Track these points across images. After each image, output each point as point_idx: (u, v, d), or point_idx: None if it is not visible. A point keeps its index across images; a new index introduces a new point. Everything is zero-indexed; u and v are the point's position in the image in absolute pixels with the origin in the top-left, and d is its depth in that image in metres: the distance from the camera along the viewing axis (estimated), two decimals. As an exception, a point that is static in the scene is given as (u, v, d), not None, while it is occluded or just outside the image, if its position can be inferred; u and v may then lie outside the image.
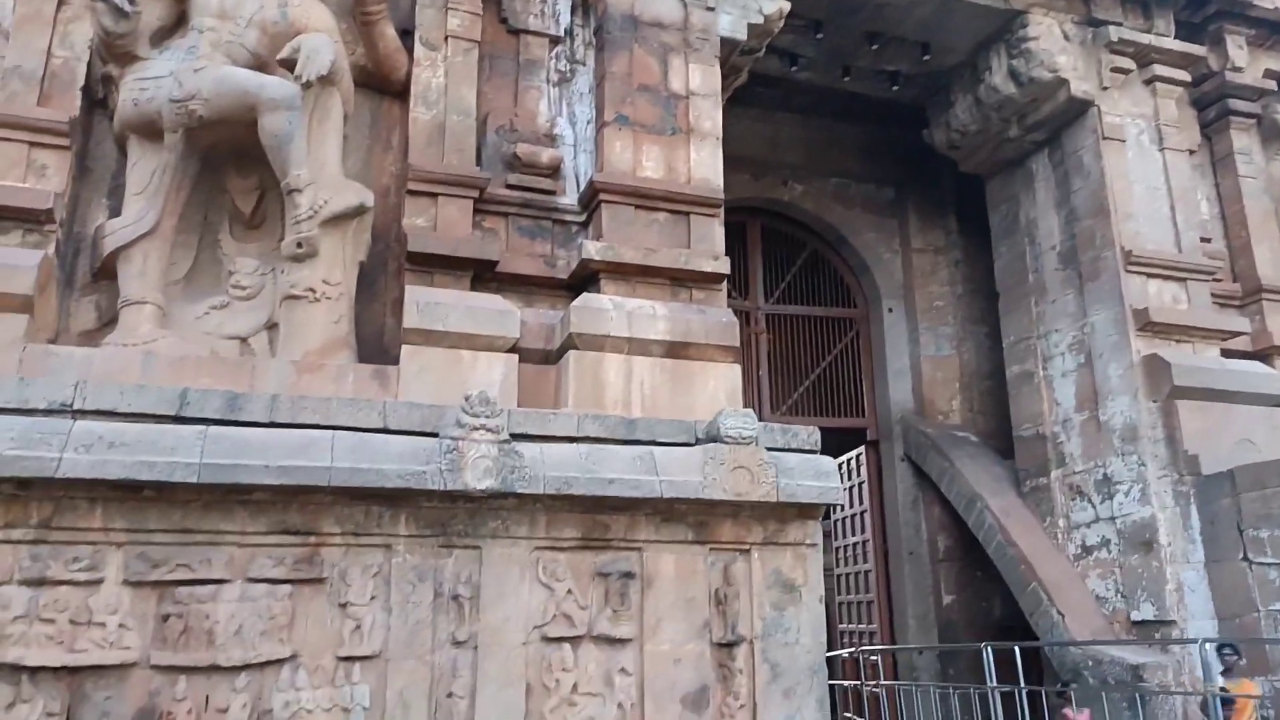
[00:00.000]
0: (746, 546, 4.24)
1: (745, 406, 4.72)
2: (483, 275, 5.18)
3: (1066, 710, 5.05)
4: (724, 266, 5.44)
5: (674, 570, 4.10)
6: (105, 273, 4.59)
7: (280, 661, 3.46)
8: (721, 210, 5.63)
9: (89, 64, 4.71)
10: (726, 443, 4.13)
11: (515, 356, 4.90)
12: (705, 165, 5.61)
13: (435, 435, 3.83)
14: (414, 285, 4.93)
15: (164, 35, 4.78)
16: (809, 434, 4.47)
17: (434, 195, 5.17)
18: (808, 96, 8.06)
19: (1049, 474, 7.22)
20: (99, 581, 3.33)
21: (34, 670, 3.18)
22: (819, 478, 4.24)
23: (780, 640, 4.10)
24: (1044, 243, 7.55)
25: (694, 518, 4.15)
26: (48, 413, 3.34)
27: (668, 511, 4.09)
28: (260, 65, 4.79)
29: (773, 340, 8.67)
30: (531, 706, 3.72)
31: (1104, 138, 7.13)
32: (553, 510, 3.94)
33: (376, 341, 5.08)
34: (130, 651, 3.30)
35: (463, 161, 5.25)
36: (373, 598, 3.65)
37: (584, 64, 5.88)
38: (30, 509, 3.27)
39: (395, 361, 4.78)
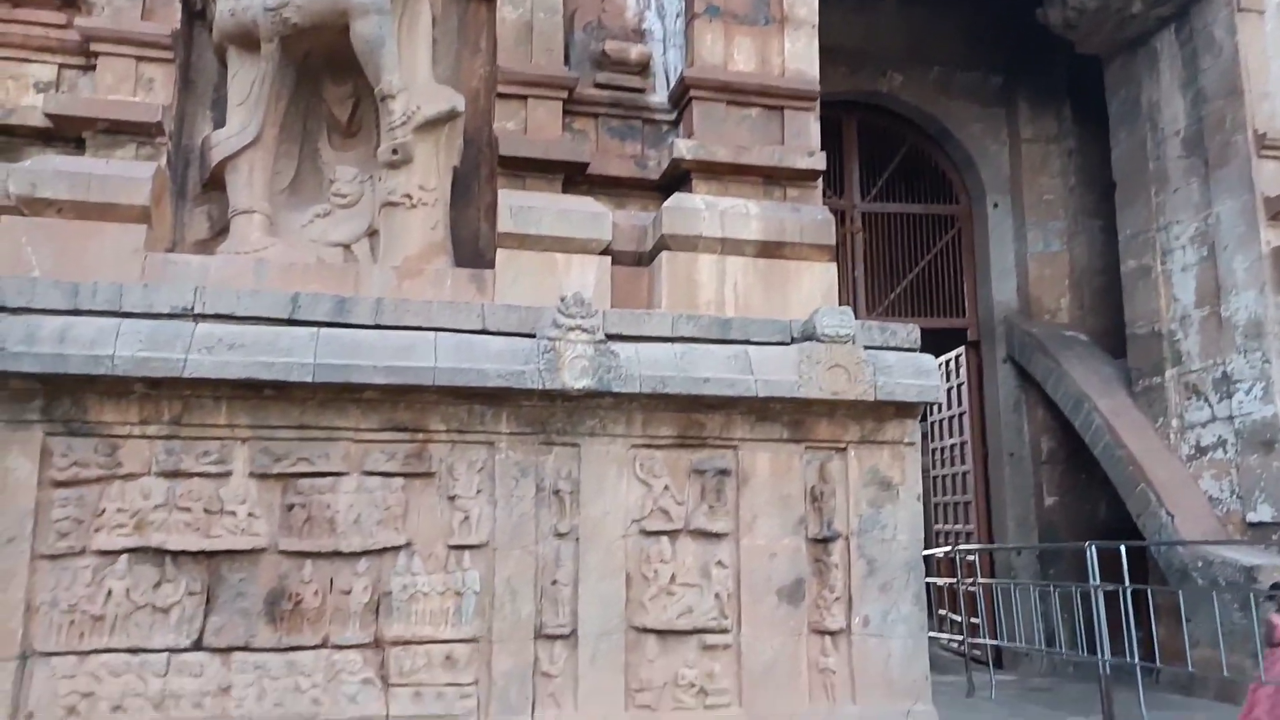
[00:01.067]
0: (843, 445, 4.21)
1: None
2: (574, 178, 5.17)
3: (1273, 615, 4.82)
4: (819, 163, 5.28)
5: (769, 468, 4.13)
6: (214, 183, 4.76)
7: (396, 549, 3.66)
8: (817, 104, 5.42)
9: (188, -24, 4.79)
10: (823, 341, 4.07)
11: (608, 259, 4.91)
12: (800, 56, 5.38)
13: (532, 336, 3.90)
14: (507, 190, 4.96)
15: (255, -57, 4.79)
16: (908, 331, 4.36)
17: (523, 97, 5.13)
18: (907, -21, 7.59)
19: (1163, 373, 6.90)
20: (228, 474, 3.56)
21: (175, 554, 3.46)
22: (918, 376, 4.15)
23: (877, 537, 4.11)
24: (1167, 128, 7.03)
25: (789, 416, 4.14)
26: (171, 316, 3.53)
27: (763, 410, 4.09)
28: (349, -31, 4.77)
29: (869, 239, 8.44)
30: (631, 595, 3.86)
31: (1239, 9, 6.50)
32: (648, 409, 3.99)
33: (472, 246, 5.15)
34: (260, 538, 3.55)
35: (551, 61, 5.18)
36: (478, 491, 3.80)
37: (671, -48, 5.65)
38: (162, 407, 3.50)
39: (490, 265, 4.86)
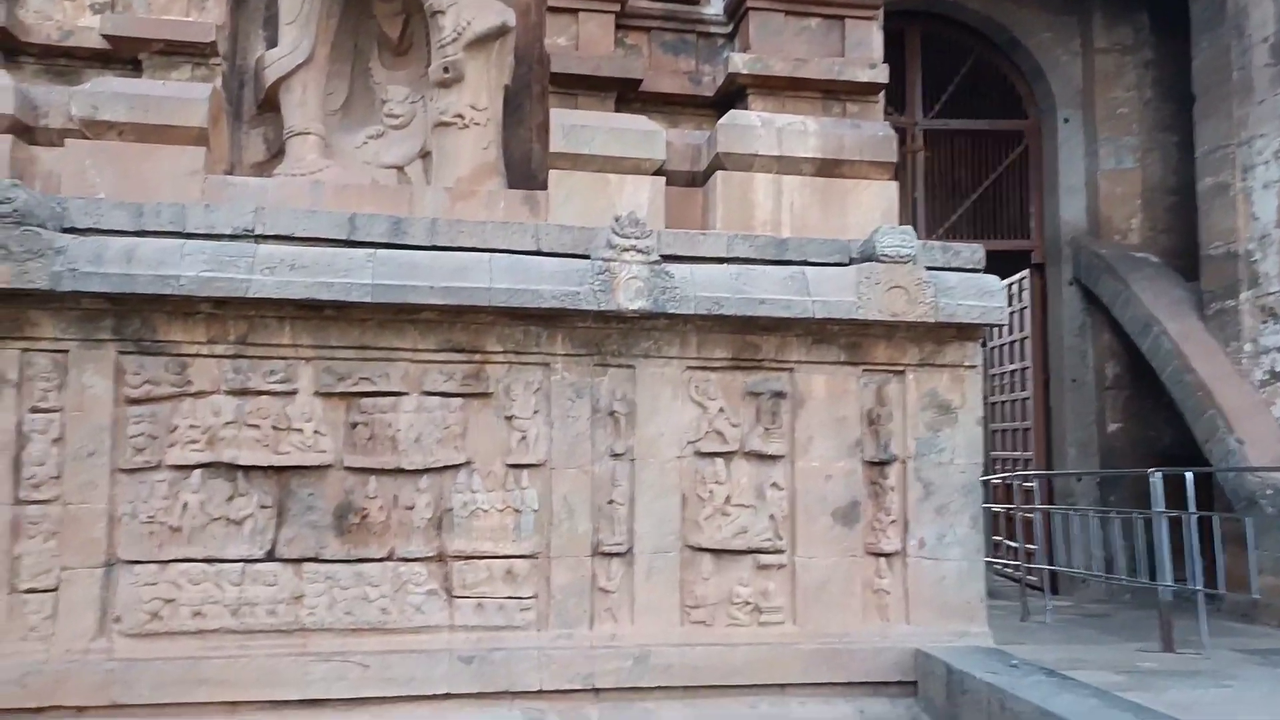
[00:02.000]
0: (901, 368, 4.15)
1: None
2: (626, 95, 5.04)
3: None
4: (881, 75, 5.07)
5: (825, 390, 4.09)
6: (269, 104, 4.75)
7: (456, 467, 3.74)
8: (880, 12, 5.19)
9: (234, -111, 4.70)
10: (882, 261, 3.98)
11: (661, 179, 4.82)
12: (863, -39, 5.12)
13: (587, 257, 3.88)
14: (559, 108, 4.87)
15: None
16: (971, 251, 4.24)
17: (574, 11, 4.99)
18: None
19: (1238, 295, 6.62)
20: (293, 393, 3.65)
21: (247, 469, 3.58)
22: (981, 297, 4.05)
23: (934, 460, 4.07)
24: (1254, 34, 6.59)
25: (846, 338, 4.08)
26: (233, 237, 3.58)
27: (819, 332, 4.04)
28: (396, -122, 4.65)
29: (931, 158, 8.15)
30: (686, 515, 3.90)
31: (1345, -100, 5.99)
32: (703, 330, 3.96)
33: (524, 166, 5.10)
34: (326, 454, 3.65)
35: (603, -28, 5.02)
36: (535, 412, 3.84)
37: None
38: (228, 326, 3.58)
39: (543, 186, 4.80)
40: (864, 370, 4.13)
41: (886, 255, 3.97)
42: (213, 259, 3.43)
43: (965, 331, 4.13)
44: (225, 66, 4.66)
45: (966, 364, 4.16)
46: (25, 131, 4.28)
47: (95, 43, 4.50)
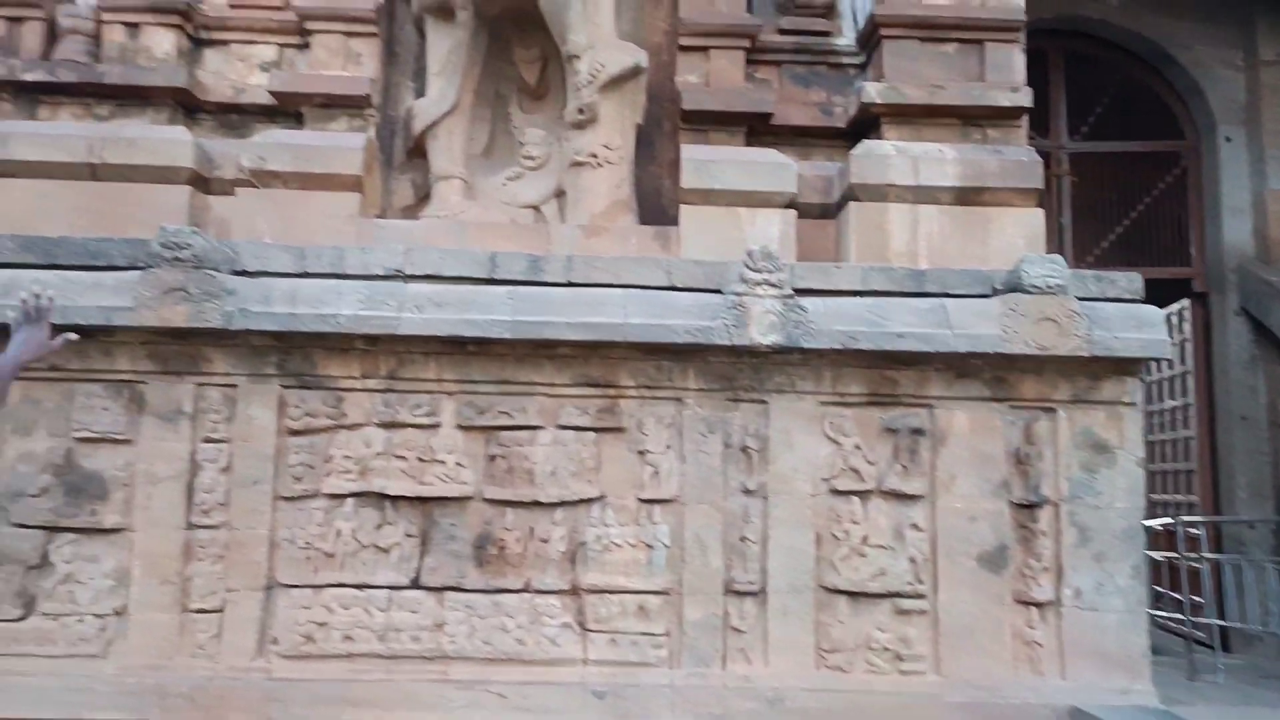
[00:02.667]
0: (1051, 404, 3.94)
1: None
2: (757, 129, 5.05)
3: None
4: (1024, 99, 4.89)
5: (968, 427, 3.93)
6: (417, 151, 5.01)
7: (590, 500, 3.79)
8: (1022, 34, 5.01)
9: (387, -49, 5.02)
10: (1030, 292, 3.80)
11: (793, 211, 4.79)
12: (1004, -18, 4.97)
13: (719, 292, 3.88)
14: (689, 144, 4.92)
15: (449, -86, 4.95)
16: (1129, 280, 3.99)
17: (705, 49, 5.05)
18: (1128, -114, 6.81)
19: None
20: (437, 425, 3.79)
21: (394, 498, 3.74)
22: (1140, 328, 3.80)
23: (1090, 503, 3.83)
24: None
25: (991, 373, 3.91)
26: (385, 278, 3.77)
27: (961, 366, 3.89)
28: (536, -68, 4.85)
29: (1079, 182, 7.75)
30: (821, 554, 3.81)
31: None
32: (838, 365, 3.88)
33: (654, 202, 5.16)
34: (467, 486, 3.77)
35: (733, 9, 5.06)
36: (667, 447, 3.85)
37: (861, -116, 5.34)
38: (379, 362, 3.76)
39: (673, 221, 4.86)
40: (1010, 406, 3.94)
41: (1034, 286, 3.79)
42: (367, 298, 3.63)
43: (1123, 366, 3.88)
44: (378, 117, 4.96)
45: (1125, 400, 3.90)
46: (201, 182, 4.66)
47: (263, 99, 4.88)
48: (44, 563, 3.63)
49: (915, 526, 3.85)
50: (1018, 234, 4.67)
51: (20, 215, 4.36)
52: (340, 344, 3.70)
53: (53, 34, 4.94)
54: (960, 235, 4.64)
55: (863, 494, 3.87)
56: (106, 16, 4.90)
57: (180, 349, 3.67)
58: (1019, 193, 4.69)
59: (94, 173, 4.53)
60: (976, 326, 3.77)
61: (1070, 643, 3.76)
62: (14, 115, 4.83)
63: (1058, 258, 3.88)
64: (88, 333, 3.51)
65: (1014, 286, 3.86)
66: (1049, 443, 3.93)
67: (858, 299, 3.89)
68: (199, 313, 3.53)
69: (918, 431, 3.90)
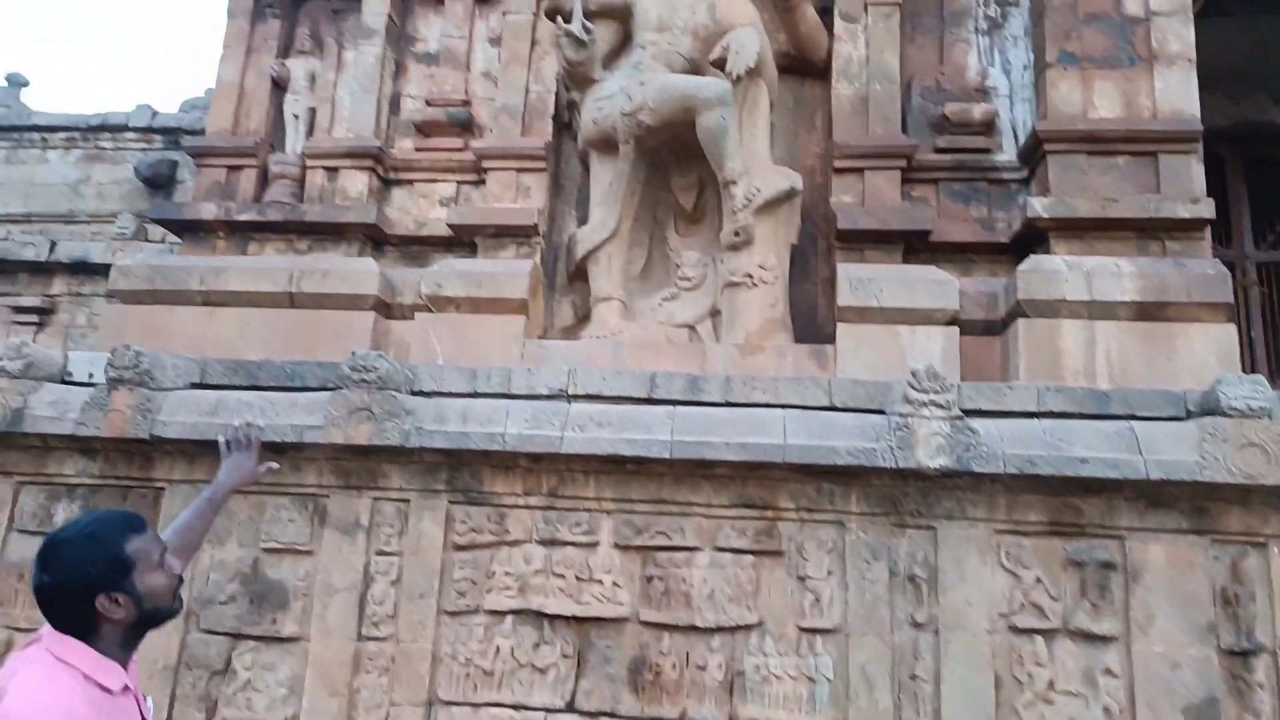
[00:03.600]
0: (1261, 539, 3.56)
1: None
2: (915, 246, 4.99)
3: None
4: (1206, 210, 4.63)
5: (1165, 562, 3.59)
6: (578, 274, 5.24)
7: (749, 627, 3.66)
8: (1199, 145, 4.79)
9: (556, 94, 5.41)
10: (1230, 415, 3.50)
11: (955, 329, 4.66)
12: (1175, 93, 4.81)
13: (881, 412, 3.78)
14: (845, 263, 4.92)
15: (612, 57, 5.31)
16: (1347, 403, 3.61)
17: (860, 170, 5.09)
18: (1307, -11, 6.51)
19: None
20: (595, 544, 3.81)
21: (552, 617, 3.75)
22: (1366, 457, 3.41)
23: (1319, 654, 3.38)
24: None
25: (1188, 503, 3.58)
26: (549, 397, 3.90)
27: (1154, 495, 3.59)
28: (694, 69, 5.12)
29: (1267, 294, 7.21)
30: (1002, 698, 3.51)
31: None
32: (1013, 491, 3.67)
33: (810, 320, 5.15)
34: (623, 607, 3.73)
35: (888, 131, 5.11)
36: (829, 573, 3.70)
37: (1016, 4, 5.37)
38: (541, 480, 3.85)
39: (829, 339, 4.81)
40: (1213, 540, 3.59)
41: (1235, 408, 3.49)
42: (532, 418, 3.75)
43: (1347, 498, 3.48)
44: (543, 244, 5.25)
45: (1351, 537, 3.48)
46: (384, 307, 5.03)
47: (442, 230, 5.27)
48: (227, 668, 3.82)
49: (1109, 672, 3.50)
50: (1208, 351, 4.35)
51: (226, 339, 4.82)
52: (506, 461, 3.82)
53: (264, 179, 5.56)
54: (1143, 353, 4.36)
55: (1047, 633, 3.56)
56: (310, 162, 5.48)
57: (361, 464, 3.89)
58: (1207, 307, 4.39)
59: (292, 300, 4.98)
60: (1171, 452, 3.49)
61: (1307, 820, 3.26)
62: (227, 251, 5.41)
63: (1259, 378, 3.57)
64: (281, 449, 3.78)
65: (1211, 409, 3.56)
66: (1261, 582, 3.53)
67: (1033, 420, 3.69)
68: (380, 431, 3.75)
69: (1107, 565, 3.59)
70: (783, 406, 3.84)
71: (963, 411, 3.68)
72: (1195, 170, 4.74)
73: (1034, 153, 4.93)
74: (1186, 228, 4.66)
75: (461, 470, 3.86)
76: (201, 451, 3.89)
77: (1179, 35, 4.85)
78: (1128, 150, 4.79)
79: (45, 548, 1.74)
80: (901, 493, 3.72)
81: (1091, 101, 4.87)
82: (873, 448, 3.63)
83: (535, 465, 3.82)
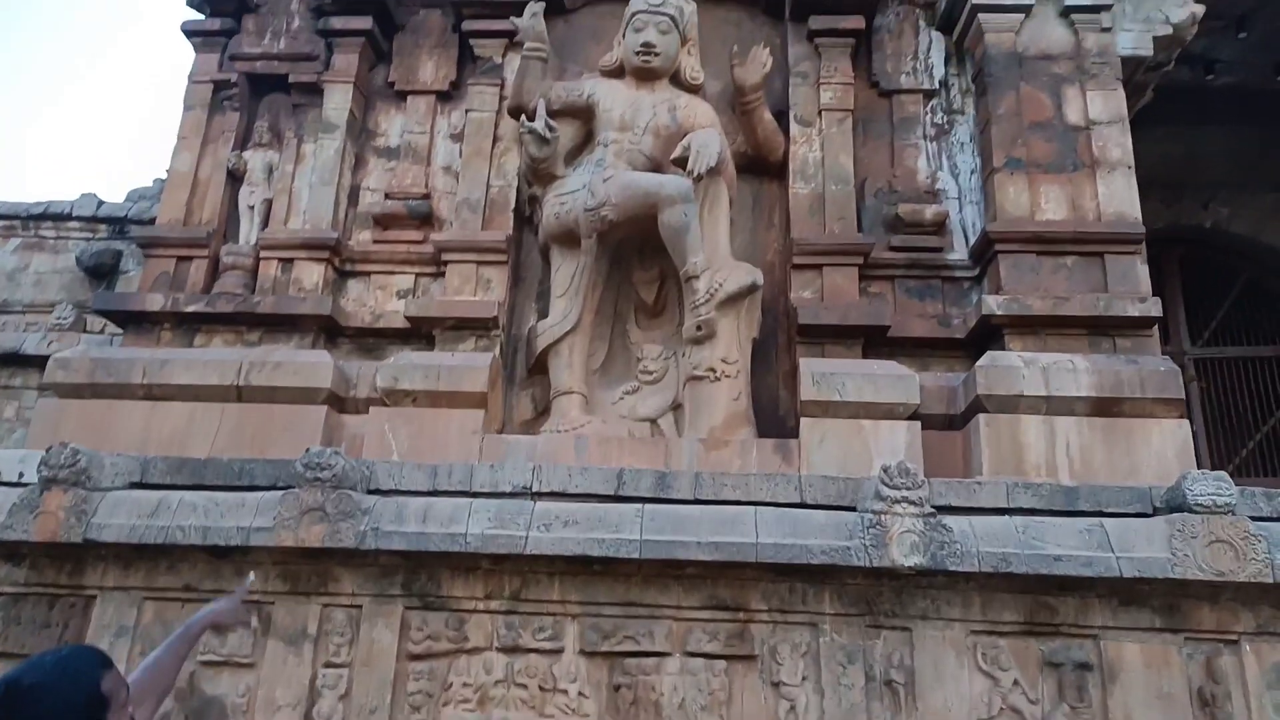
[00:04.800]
0: (1234, 636, 3.55)
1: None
2: (874, 341, 5.04)
3: None
4: (1153, 309, 4.78)
5: (1141, 661, 3.54)
6: (538, 368, 5.16)
7: (722, 739, 3.49)
8: (1143, 246, 4.98)
9: (517, 188, 5.43)
10: (1197, 511, 3.52)
11: (917, 424, 4.67)
12: (1118, 198, 5.02)
13: (853, 509, 3.72)
14: (806, 357, 4.93)
15: (575, 154, 5.37)
16: (1307, 499, 3.67)
17: (818, 266, 5.17)
18: (1229, 103, 6.97)
19: None
20: (560, 650, 3.62)
21: (513, 731, 3.52)
22: (1332, 553, 3.44)
23: (1301, 756, 3.33)
24: None
25: (1160, 600, 3.57)
26: (513, 495, 3.76)
27: (1126, 593, 3.56)
28: (656, 166, 5.20)
29: (1206, 389, 7.45)
30: (987, 810, 3.37)
31: None
32: (987, 590, 3.61)
33: (771, 414, 5.13)
34: (589, 719, 3.53)
35: (845, 229, 5.21)
36: (804, 678, 3.57)
37: (962, 113, 5.61)
38: (504, 582, 3.68)
39: (791, 434, 4.79)
40: (1186, 638, 3.56)
41: (1201, 505, 3.52)
42: (496, 517, 3.61)
43: (1314, 594, 3.49)
44: (503, 337, 5.17)
45: (1322, 633, 3.48)
46: (337, 401, 4.87)
47: (399, 323, 5.17)
48: (156, 795, 3.49)
49: (1094, 778, 3.39)
50: (1165, 446, 4.42)
51: (170, 436, 4.60)
52: (467, 563, 3.65)
53: (215, 270, 5.43)
54: (1103, 448, 4.41)
55: (1028, 737, 3.46)
56: (265, 253, 5.38)
57: (311, 568, 3.68)
58: (1161, 403, 4.48)
59: (240, 394, 4.79)
60: (1142, 549, 3.48)
61: None
62: (173, 343, 5.22)
63: (1222, 474, 3.61)
64: (225, 553, 3.56)
65: (1178, 505, 3.58)
66: (1236, 681, 3.51)
67: (1005, 517, 3.67)
68: (334, 532, 3.56)
69: (1084, 666, 3.54)
70: (754, 503, 3.76)
71: (934, 508, 3.64)
72: (1140, 270, 4.91)
73: (985, 252, 5.07)
74: (1135, 325, 4.79)
75: (419, 573, 3.67)
76: (138, 556, 3.64)
77: (1119, 143, 5.09)
78: (1075, 251, 4.95)
79: (7, 693, 1.55)
80: (876, 592, 3.63)
81: (1039, 204, 5.05)
82: (846, 546, 3.56)
83: (498, 567, 3.65)
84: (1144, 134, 6.71)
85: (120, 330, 5.61)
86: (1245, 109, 7.06)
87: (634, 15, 5.34)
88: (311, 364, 4.84)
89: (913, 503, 3.60)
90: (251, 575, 2.50)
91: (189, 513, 3.56)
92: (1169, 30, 5.32)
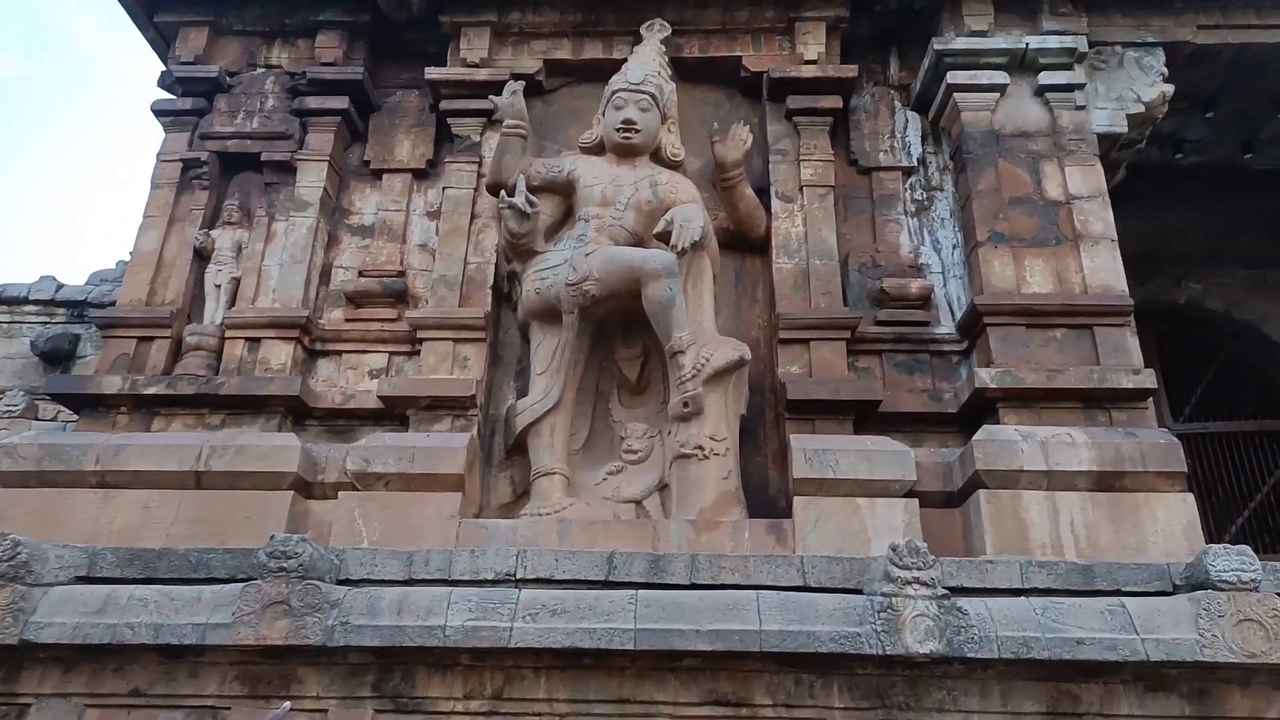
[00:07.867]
0: (1268, 723, 3.32)
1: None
2: (865, 416, 4.89)
3: None
4: (1148, 381, 4.69)
5: (1173, 755, 3.30)
6: (518, 448, 4.93)
7: None
8: (1131, 318, 4.94)
9: (495, 265, 5.29)
10: (1221, 589, 3.34)
11: (915, 500, 4.49)
12: (1103, 271, 5.00)
13: (859, 591, 3.50)
14: (797, 434, 4.76)
15: (555, 229, 5.26)
16: (1330, 572, 3.51)
17: (805, 341, 5.05)
18: (1198, 181, 7.10)
19: None
20: (547, 756, 3.30)
21: None
22: (1365, 630, 3.26)
23: None
24: None
25: (1188, 685, 3.36)
26: (496, 583, 3.49)
27: (1152, 678, 3.35)
28: (638, 242, 5.10)
29: (1192, 465, 7.35)
30: None
31: None
32: (1007, 678, 3.38)
33: (761, 494, 4.92)
34: (580, 835, 3.19)
35: (831, 303, 5.12)
36: (814, 781, 3.28)
37: (941, 189, 5.62)
38: (485, 680, 3.38)
39: (783, 513, 4.59)
40: (1218, 727, 3.33)
41: (1225, 581, 3.34)
42: (477, 607, 3.33)
43: (1350, 675, 3.30)
44: (480, 416, 4.95)
45: (1361, 718, 3.27)
46: (304, 486, 4.59)
47: (371, 404, 4.93)
48: None
49: None
50: (1171, 521, 4.27)
51: (124, 526, 4.28)
52: (445, 659, 3.35)
53: (178, 351, 5.17)
54: (1109, 524, 4.24)
55: (1059, 843, 3.17)
56: (231, 333, 5.15)
57: (273, 668, 3.35)
58: (1164, 477, 4.35)
59: (199, 480, 4.50)
60: (1168, 630, 3.28)
61: None
62: (130, 428, 4.92)
63: (1245, 549, 3.46)
64: (177, 653, 3.23)
65: (1199, 583, 3.41)
66: (1273, 772, 3.26)
67: (1021, 599, 3.46)
68: (299, 628, 3.25)
69: (1114, 761, 3.28)
70: (754, 587, 3.52)
71: (946, 589, 3.43)
72: (1131, 342, 4.85)
73: (973, 325, 4.99)
74: (1130, 397, 4.70)
75: (392, 671, 3.35)
76: (81, 658, 3.28)
77: (1100, 217, 5.10)
78: (1064, 323, 4.89)
79: None
80: (888, 683, 3.38)
81: (1024, 277, 5.01)
82: (856, 632, 3.32)
83: (479, 663, 3.35)
84: (1117, 211, 6.77)
85: (75, 416, 5.30)
86: (1215, 187, 7.20)
87: (614, 93, 5.33)
88: (277, 447, 4.57)
89: (925, 584, 3.39)
90: (288, 705, 2.18)
91: (139, 609, 3.23)
92: (1141, 109, 5.41)
